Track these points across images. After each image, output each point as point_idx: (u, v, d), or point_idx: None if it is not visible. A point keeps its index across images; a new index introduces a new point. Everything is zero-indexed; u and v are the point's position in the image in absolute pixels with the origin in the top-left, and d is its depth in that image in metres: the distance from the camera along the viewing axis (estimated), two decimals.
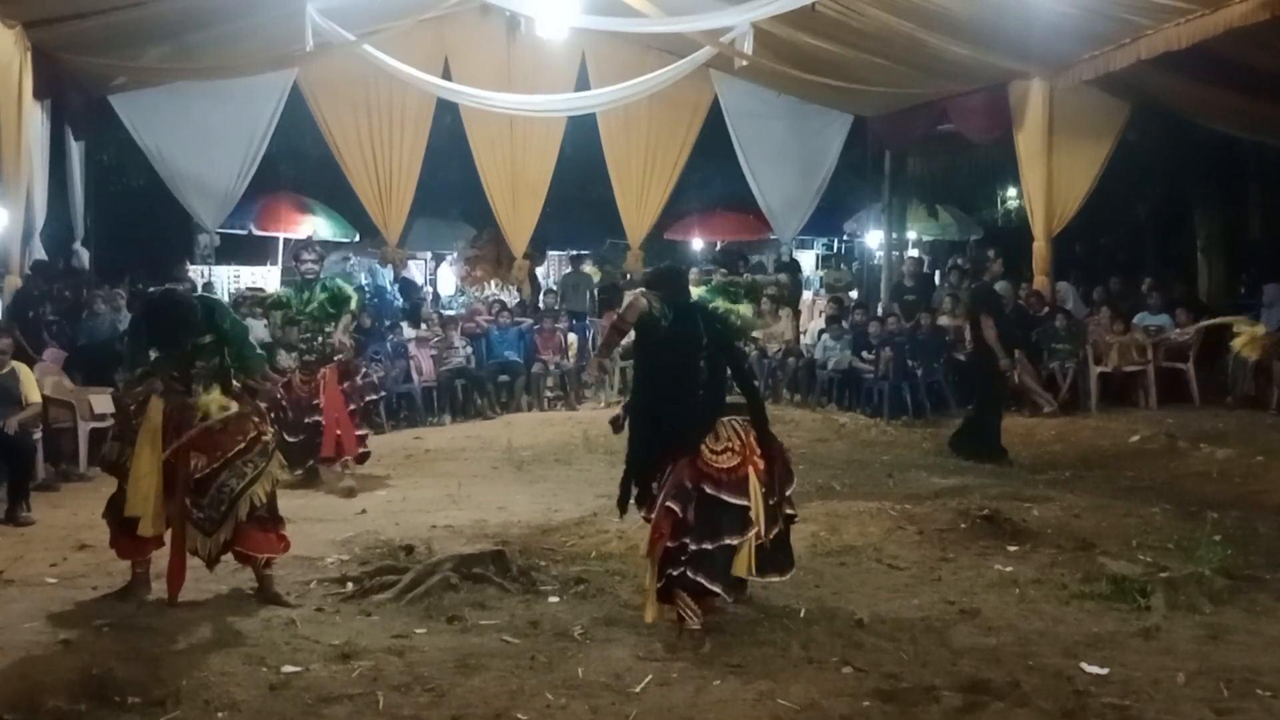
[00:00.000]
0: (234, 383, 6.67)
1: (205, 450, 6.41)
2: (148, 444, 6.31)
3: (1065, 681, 5.14)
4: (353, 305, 10.33)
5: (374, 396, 10.58)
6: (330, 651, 5.53)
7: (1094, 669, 5.28)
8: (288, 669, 5.30)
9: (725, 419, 5.93)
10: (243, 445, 6.47)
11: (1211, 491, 9.88)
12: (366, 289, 16.18)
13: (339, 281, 10.56)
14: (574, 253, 23.46)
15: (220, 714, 4.78)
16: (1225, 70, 12.51)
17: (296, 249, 11.23)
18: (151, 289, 7.35)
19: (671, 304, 6.01)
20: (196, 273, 16.31)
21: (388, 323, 15.27)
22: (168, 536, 6.42)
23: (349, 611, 6.28)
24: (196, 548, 6.42)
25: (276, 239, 20.72)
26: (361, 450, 10.29)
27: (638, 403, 6.22)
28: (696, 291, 8.98)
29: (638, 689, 5.04)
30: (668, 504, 5.72)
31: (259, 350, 7.21)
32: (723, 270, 9.31)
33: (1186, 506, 9.13)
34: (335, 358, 10.03)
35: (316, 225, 20.16)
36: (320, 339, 10.04)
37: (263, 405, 6.98)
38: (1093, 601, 6.40)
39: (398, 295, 17.84)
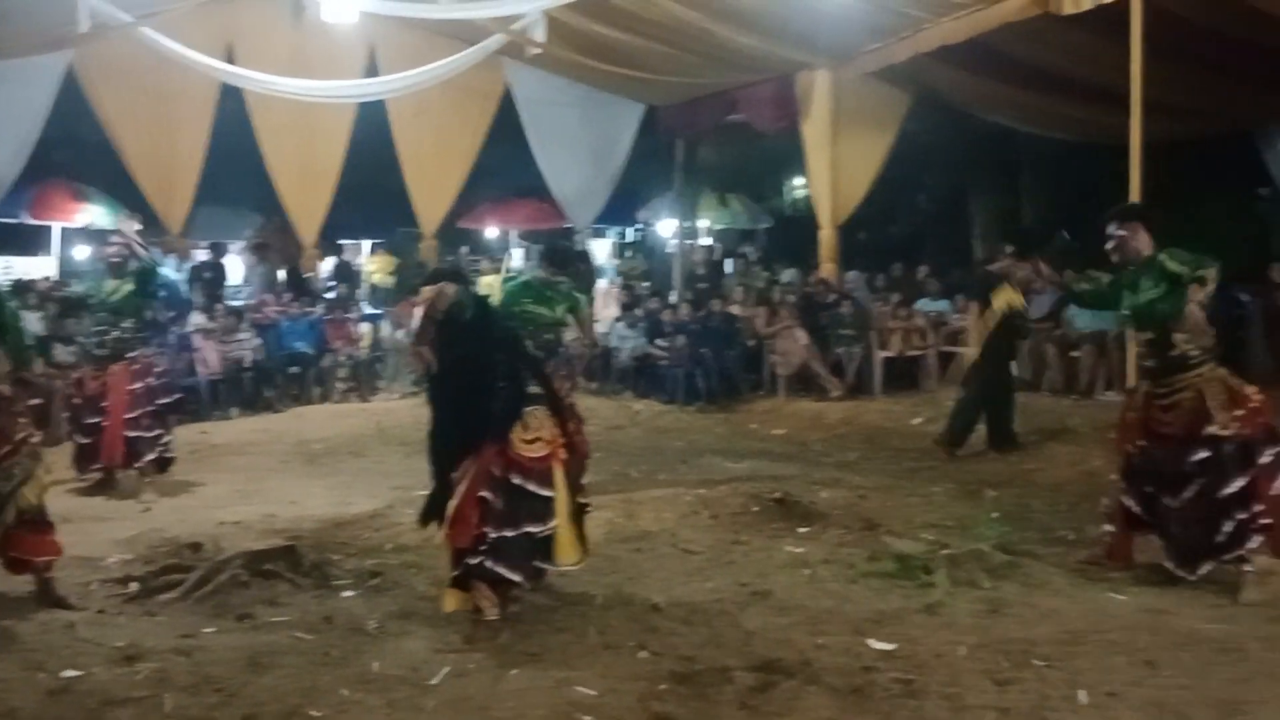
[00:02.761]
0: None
1: None
2: None
3: (854, 658, 5.22)
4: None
5: (168, 399, 9.96)
6: (113, 654, 5.30)
7: (881, 645, 5.37)
8: (68, 673, 5.07)
9: (533, 409, 5.91)
10: (9, 448, 6.17)
11: (989, 470, 10.21)
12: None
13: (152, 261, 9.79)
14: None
15: None
16: (1000, 64, 12.99)
17: (105, 236, 10.54)
18: None
19: (471, 295, 5.97)
20: None
21: (172, 314, 14.78)
22: None
23: (133, 612, 6.05)
24: None
25: (51, 228, 19.95)
26: (161, 455, 9.64)
27: (438, 396, 6.13)
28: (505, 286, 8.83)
29: (434, 681, 4.98)
30: (480, 494, 5.67)
31: (29, 343, 6.86)
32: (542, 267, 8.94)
33: (966, 485, 9.43)
34: (128, 355, 9.39)
35: (94, 214, 19.41)
36: (115, 332, 9.37)
37: (32, 401, 6.64)
38: (879, 580, 6.52)
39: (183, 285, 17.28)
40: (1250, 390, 6.35)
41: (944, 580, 6.38)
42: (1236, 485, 6.17)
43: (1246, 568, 6.22)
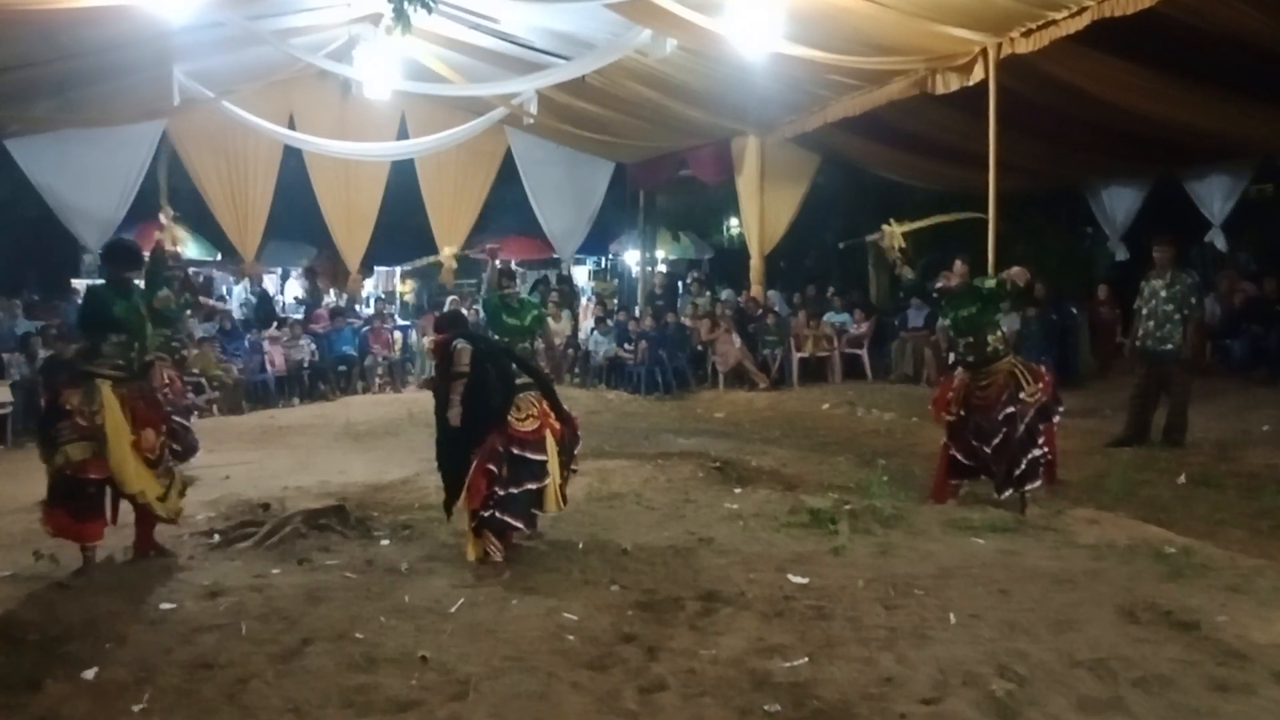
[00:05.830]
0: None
1: (155, 425, 5.99)
2: (118, 432, 5.71)
3: (777, 589, 5.23)
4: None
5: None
6: (200, 590, 5.27)
7: (798, 579, 5.38)
8: (165, 606, 5.03)
9: (523, 394, 5.91)
10: (180, 423, 6.16)
11: (881, 445, 10.26)
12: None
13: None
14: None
15: (108, 644, 4.51)
16: (887, 132, 13.05)
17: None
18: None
19: (472, 338, 6.02)
20: (82, 285, 15.35)
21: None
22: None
23: (216, 558, 6.01)
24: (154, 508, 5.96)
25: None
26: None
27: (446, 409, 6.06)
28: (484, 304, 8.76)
29: (453, 610, 4.96)
30: (487, 465, 5.66)
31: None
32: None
33: (863, 456, 9.46)
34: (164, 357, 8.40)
35: (185, 247, 19.20)
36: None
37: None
38: (797, 529, 6.52)
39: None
40: (1041, 370, 7.04)
41: (846, 529, 6.39)
42: (1032, 431, 6.80)
43: (1029, 489, 6.93)
